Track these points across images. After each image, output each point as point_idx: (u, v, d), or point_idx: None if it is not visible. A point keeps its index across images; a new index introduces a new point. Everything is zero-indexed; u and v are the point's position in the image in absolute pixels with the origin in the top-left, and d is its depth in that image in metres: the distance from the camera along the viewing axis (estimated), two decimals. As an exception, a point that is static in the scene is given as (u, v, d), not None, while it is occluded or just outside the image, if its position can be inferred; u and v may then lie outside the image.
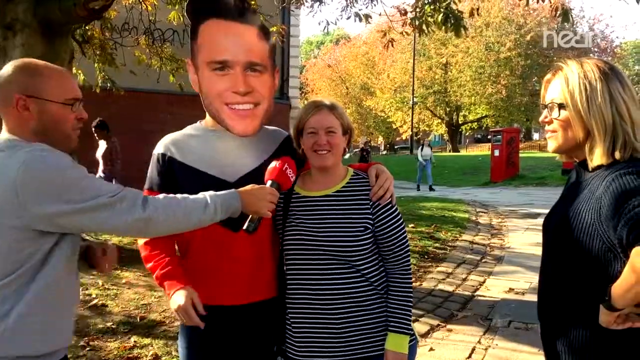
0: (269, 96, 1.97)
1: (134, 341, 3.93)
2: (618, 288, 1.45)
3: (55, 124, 1.67)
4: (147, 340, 3.95)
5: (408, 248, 2.05)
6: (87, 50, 8.63)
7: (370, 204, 2.00)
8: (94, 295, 4.76)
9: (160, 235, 1.74)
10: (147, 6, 8.99)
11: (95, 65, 9.09)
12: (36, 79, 1.65)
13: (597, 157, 1.59)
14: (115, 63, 8.94)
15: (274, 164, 1.89)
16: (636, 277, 1.39)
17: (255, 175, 2.03)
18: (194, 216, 1.68)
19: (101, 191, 1.57)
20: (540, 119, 1.74)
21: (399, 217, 2.03)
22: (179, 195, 1.70)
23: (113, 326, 4.17)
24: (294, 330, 2.04)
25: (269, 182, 1.87)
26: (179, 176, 2.04)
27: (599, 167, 1.61)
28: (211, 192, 1.73)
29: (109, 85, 9.44)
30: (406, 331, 1.98)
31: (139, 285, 5.15)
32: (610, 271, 1.53)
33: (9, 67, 1.67)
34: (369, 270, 1.99)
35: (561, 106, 1.64)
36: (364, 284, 1.99)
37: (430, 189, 17.78)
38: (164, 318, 4.37)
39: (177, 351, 3.78)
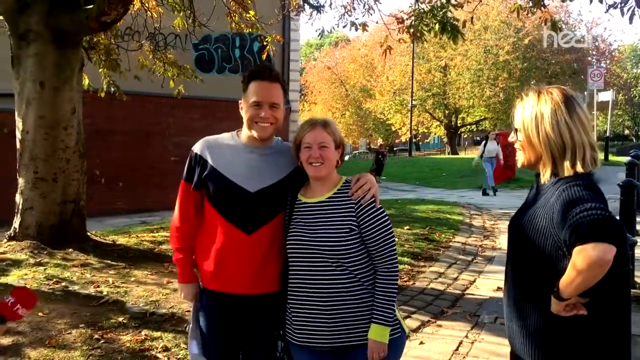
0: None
1: (145, 334, 4.21)
2: (564, 281, 1.76)
3: None
4: (157, 334, 4.23)
5: (394, 247, 2.32)
6: (93, 56, 8.92)
7: (355, 207, 2.29)
8: (105, 292, 5.04)
9: None
10: (152, 13, 9.30)
11: (100, 70, 9.38)
12: None
13: (546, 174, 1.91)
14: (120, 68, 9.22)
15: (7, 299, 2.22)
16: (576, 272, 1.69)
17: (274, 189, 2.42)
18: None
19: None
20: (510, 139, 2.07)
21: (383, 218, 2.30)
22: None
23: (124, 321, 4.46)
24: (293, 318, 2.35)
25: None
26: (208, 177, 2.43)
27: (553, 179, 1.92)
28: None
29: (113, 89, 9.72)
30: (387, 323, 2.26)
31: (147, 283, 5.44)
32: (560, 267, 1.82)
33: None
34: (357, 267, 2.28)
35: (517, 131, 1.96)
36: (352, 280, 2.28)
37: (485, 191, 15.08)
38: (172, 314, 4.66)
39: (185, 344, 4.08)
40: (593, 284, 1.71)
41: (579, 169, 1.84)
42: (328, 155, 2.32)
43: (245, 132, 2.48)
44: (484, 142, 15.79)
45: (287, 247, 2.38)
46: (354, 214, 2.28)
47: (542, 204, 1.90)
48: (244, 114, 2.44)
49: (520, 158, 2.02)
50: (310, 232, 2.30)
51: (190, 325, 2.60)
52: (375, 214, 2.29)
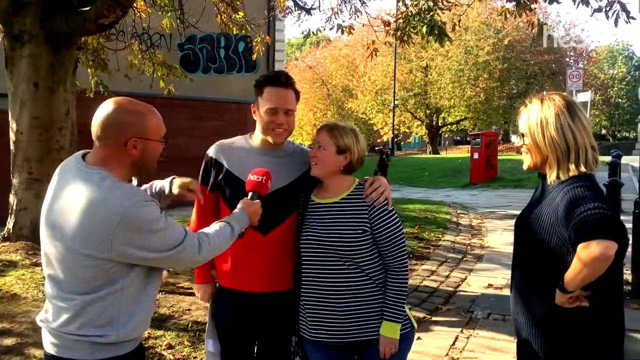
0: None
1: (148, 333, 4.28)
2: (569, 275, 1.90)
3: (151, 158, 1.97)
4: (160, 332, 4.30)
5: (404, 247, 2.42)
6: (81, 56, 8.91)
7: (368, 209, 2.39)
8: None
9: None
10: (140, 14, 9.32)
11: (89, 70, 9.36)
12: (143, 121, 1.91)
13: (552, 175, 2.05)
14: (107, 69, 9.22)
15: (254, 177, 2.31)
16: (580, 266, 1.84)
17: (287, 190, 2.51)
18: (226, 245, 2.12)
19: (171, 243, 1.86)
20: (516, 143, 2.24)
21: (394, 220, 2.40)
22: (214, 227, 2.09)
23: (126, 320, 4.52)
24: (307, 315, 2.46)
25: (250, 193, 2.28)
26: (223, 179, 2.52)
27: (558, 179, 2.06)
28: (231, 218, 2.16)
29: (102, 90, 9.71)
30: (398, 320, 2.37)
31: (145, 282, 5.49)
32: (564, 262, 1.96)
33: (115, 109, 1.88)
34: (369, 266, 2.39)
35: (524, 135, 2.11)
36: (364, 278, 2.38)
37: None
38: (172, 312, 4.73)
39: (188, 341, 4.16)
40: (595, 277, 1.85)
41: (583, 169, 1.99)
42: (323, 156, 2.40)
43: (258, 136, 2.55)
44: None
45: (301, 246, 2.47)
46: (367, 215, 2.39)
47: (548, 204, 2.04)
48: (258, 119, 2.51)
49: (527, 161, 2.17)
50: (324, 232, 2.39)
51: (207, 324, 2.69)
52: (388, 216, 2.39)
